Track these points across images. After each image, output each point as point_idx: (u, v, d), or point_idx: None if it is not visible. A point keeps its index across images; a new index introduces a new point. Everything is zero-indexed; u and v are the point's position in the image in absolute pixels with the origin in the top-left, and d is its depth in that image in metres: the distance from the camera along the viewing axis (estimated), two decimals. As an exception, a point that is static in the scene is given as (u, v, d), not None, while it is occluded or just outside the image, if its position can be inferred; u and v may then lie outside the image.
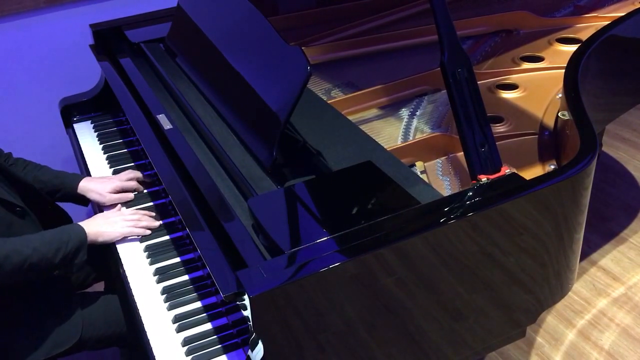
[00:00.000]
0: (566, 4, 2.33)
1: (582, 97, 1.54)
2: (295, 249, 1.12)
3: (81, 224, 1.50)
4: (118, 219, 1.55)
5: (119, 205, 1.66)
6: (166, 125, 1.60)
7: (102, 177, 1.74)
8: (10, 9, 2.13)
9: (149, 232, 1.56)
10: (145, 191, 1.73)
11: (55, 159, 2.32)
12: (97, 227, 1.50)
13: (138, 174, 1.73)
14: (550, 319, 2.25)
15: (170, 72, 1.84)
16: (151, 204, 1.69)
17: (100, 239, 1.51)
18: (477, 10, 2.27)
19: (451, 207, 1.20)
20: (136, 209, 1.64)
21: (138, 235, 1.56)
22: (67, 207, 1.76)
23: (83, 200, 1.73)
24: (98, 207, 1.71)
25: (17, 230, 1.47)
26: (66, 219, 1.74)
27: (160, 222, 1.61)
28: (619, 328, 2.20)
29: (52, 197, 1.72)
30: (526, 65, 2.00)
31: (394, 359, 1.25)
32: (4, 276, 1.34)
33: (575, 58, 1.71)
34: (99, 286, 1.90)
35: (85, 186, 1.69)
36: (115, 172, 1.81)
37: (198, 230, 1.31)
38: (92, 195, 1.68)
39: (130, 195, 1.68)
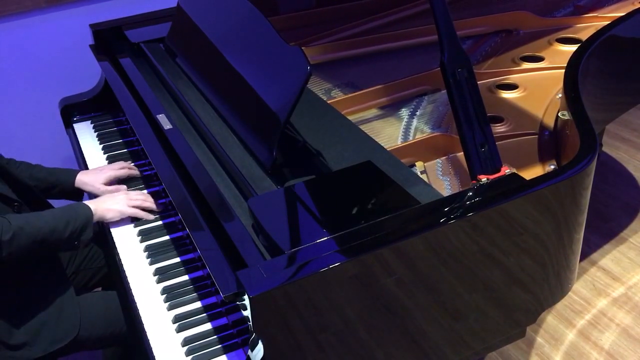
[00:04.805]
0: (566, 4, 2.33)
1: (582, 97, 1.54)
2: (295, 249, 1.12)
3: (88, 202, 1.55)
4: (123, 197, 1.60)
5: (125, 187, 1.72)
6: (166, 125, 1.60)
7: (95, 169, 1.79)
8: (11, 9, 2.13)
9: (152, 217, 1.61)
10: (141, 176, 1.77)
11: (55, 159, 2.32)
12: (103, 205, 1.56)
13: (130, 164, 1.80)
14: (550, 319, 2.25)
15: (170, 72, 1.84)
16: (151, 204, 1.69)
17: (108, 215, 1.56)
18: (477, 10, 2.27)
19: (451, 207, 1.20)
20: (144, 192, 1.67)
21: (143, 218, 1.60)
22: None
23: (78, 195, 1.79)
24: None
25: None
26: None
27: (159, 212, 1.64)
28: (619, 328, 2.20)
29: (48, 193, 1.76)
30: (526, 65, 2.00)
31: (393, 359, 1.25)
32: (19, 248, 1.38)
33: (575, 58, 1.70)
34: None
35: (80, 180, 1.75)
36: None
37: (198, 230, 1.31)
38: (87, 188, 1.75)
39: (123, 187, 1.73)
